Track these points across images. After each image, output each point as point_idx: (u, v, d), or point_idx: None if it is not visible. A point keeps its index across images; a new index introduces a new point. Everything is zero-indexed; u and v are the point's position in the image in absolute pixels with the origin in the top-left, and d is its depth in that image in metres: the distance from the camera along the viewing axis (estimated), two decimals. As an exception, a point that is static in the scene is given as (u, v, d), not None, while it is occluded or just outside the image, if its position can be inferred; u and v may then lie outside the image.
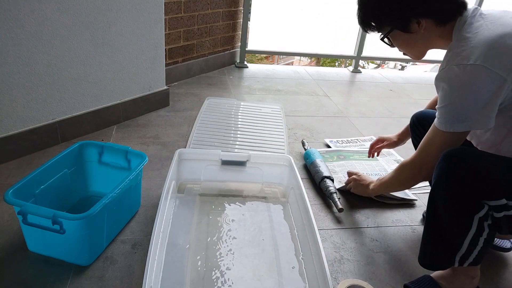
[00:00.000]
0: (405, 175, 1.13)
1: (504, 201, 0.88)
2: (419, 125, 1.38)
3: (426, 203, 1.03)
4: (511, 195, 0.88)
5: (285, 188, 1.47)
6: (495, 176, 0.88)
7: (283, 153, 1.71)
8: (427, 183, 1.17)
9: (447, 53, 0.98)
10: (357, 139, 1.98)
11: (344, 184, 1.53)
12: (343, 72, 3.24)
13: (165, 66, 2.11)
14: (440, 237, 0.99)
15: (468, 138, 1.09)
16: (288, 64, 10.72)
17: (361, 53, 3.22)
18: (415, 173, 1.08)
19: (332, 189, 1.46)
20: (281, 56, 12.02)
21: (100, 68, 1.73)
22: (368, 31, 1.09)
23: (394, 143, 1.56)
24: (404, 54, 1.14)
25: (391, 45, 1.09)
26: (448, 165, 0.92)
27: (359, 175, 1.44)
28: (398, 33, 1.03)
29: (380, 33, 1.07)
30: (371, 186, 1.34)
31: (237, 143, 1.78)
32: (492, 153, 0.97)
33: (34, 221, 1.00)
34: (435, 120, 0.98)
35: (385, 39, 1.06)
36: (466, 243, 0.94)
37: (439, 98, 0.96)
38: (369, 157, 1.66)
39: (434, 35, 1.01)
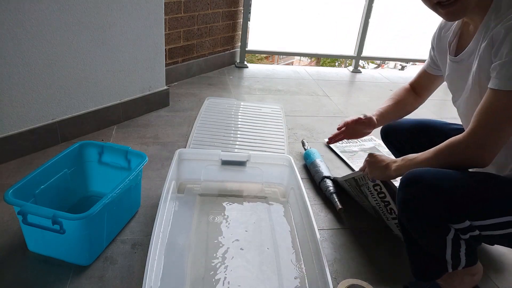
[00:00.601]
0: (458, 155, 0.88)
1: (467, 223, 0.85)
2: (387, 142, 1.39)
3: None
4: (473, 216, 0.85)
5: (285, 188, 1.47)
6: (454, 199, 0.84)
7: (283, 153, 1.71)
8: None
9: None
10: (357, 139, 1.98)
11: (356, 172, 1.32)
12: (343, 72, 3.24)
13: (165, 66, 2.11)
14: (424, 253, 0.97)
15: None
16: (288, 64, 10.72)
17: (361, 53, 3.22)
18: (474, 152, 0.85)
19: (332, 189, 1.46)
20: (281, 56, 12.03)
21: (100, 68, 1.73)
22: None
23: (373, 125, 1.28)
24: (443, 6, 0.89)
25: None
26: (406, 193, 0.89)
27: (373, 156, 1.17)
28: None
29: None
30: (393, 166, 1.05)
31: (237, 143, 1.78)
32: (451, 172, 0.88)
33: (34, 221, 1.00)
34: (495, 82, 0.83)
35: None
36: (449, 257, 0.92)
37: (506, 49, 0.81)
38: (330, 142, 1.40)
39: None
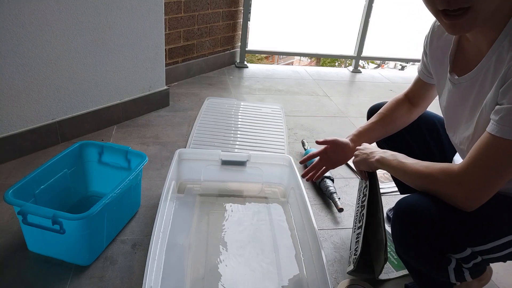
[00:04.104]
0: (440, 182, 0.79)
1: (469, 251, 0.79)
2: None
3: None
4: (475, 242, 0.79)
5: (285, 188, 1.47)
6: (452, 228, 0.78)
7: (283, 153, 1.71)
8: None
9: None
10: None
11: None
12: (343, 72, 3.24)
13: (165, 66, 2.11)
14: (427, 277, 0.94)
15: None
16: (288, 64, 10.72)
17: (361, 53, 3.22)
18: (454, 188, 0.76)
19: (332, 189, 1.46)
20: (281, 56, 12.03)
21: (100, 68, 1.73)
22: None
23: (347, 148, 1.14)
24: (455, 14, 0.72)
25: None
26: (401, 226, 0.83)
27: (361, 144, 1.10)
28: None
29: None
30: (378, 155, 0.97)
31: (237, 143, 1.78)
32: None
33: (34, 221, 1.00)
34: (497, 126, 0.71)
35: None
36: (454, 281, 0.86)
37: None
38: (306, 177, 1.22)
39: None
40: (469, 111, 0.85)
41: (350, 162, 1.75)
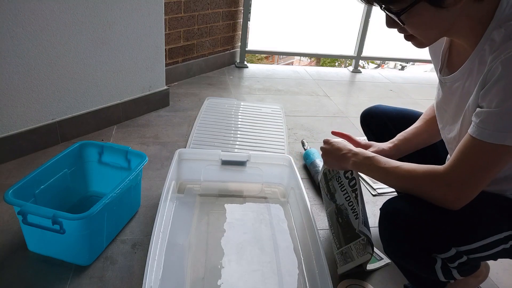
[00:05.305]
0: (427, 186, 0.80)
1: (453, 251, 0.79)
2: (365, 125, 1.26)
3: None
4: (459, 242, 0.79)
5: (285, 188, 1.47)
6: (436, 228, 0.79)
7: (283, 153, 1.71)
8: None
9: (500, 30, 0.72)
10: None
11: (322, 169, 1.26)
12: (343, 72, 3.24)
13: (165, 66, 2.11)
14: (419, 276, 0.94)
15: None
16: (288, 64, 10.72)
17: (361, 53, 3.22)
18: (442, 190, 0.77)
19: (332, 189, 1.46)
20: (281, 56, 12.03)
21: (100, 68, 1.73)
22: (374, 3, 0.77)
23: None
24: (408, 38, 0.82)
25: (400, 26, 0.78)
26: (387, 228, 0.84)
27: (329, 142, 1.07)
28: (424, 7, 0.72)
29: (394, 7, 0.73)
30: (352, 161, 0.97)
31: (237, 143, 1.78)
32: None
33: (34, 221, 1.00)
34: (477, 129, 0.72)
35: (401, 16, 0.74)
36: (443, 279, 0.85)
37: (494, 95, 0.70)
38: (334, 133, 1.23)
39: (464, 14, 0.74)
40: (454, 111, 0.87)
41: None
